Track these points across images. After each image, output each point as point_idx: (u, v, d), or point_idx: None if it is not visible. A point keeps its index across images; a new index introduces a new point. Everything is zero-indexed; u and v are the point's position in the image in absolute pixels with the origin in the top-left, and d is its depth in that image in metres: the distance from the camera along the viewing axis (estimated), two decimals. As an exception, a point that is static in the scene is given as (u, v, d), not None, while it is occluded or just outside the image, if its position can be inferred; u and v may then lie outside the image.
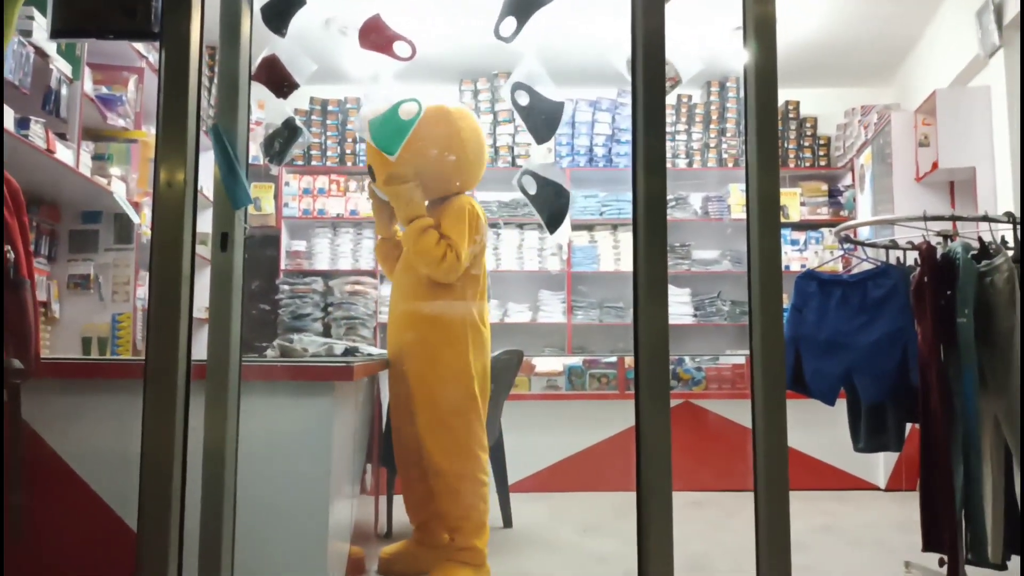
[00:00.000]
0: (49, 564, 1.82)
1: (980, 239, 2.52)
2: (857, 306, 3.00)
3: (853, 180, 6.17)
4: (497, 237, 6.40)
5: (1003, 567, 2.52)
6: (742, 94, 6.32)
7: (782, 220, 6.46)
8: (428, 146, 2.85)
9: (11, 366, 1.52)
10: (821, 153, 6.53)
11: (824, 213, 6.38)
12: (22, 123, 2.89)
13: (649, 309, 1.53)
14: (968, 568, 2.67)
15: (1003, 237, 2.68)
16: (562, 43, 5.38)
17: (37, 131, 2.99)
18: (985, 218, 2.52)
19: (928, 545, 2.55)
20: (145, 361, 1.47)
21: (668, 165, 5.99)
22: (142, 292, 4.19)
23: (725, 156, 6.47)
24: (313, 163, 6.50)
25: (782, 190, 6.39)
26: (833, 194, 6.45)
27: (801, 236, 6.43)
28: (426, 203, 3.01)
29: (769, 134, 1.59)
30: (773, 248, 1.58)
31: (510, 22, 1.65)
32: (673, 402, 4.99)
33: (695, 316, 6.39)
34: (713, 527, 3.81)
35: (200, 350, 4.64)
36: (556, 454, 4.75)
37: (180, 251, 1.49)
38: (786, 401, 1.61)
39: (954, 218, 2.60)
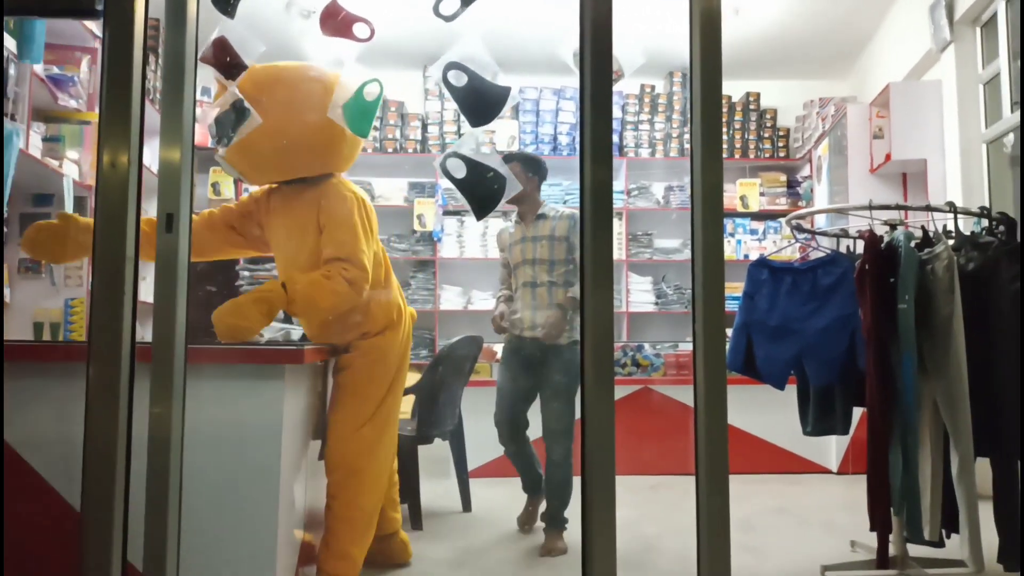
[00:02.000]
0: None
1: (923, 228, 2.60)
2: (807, 293, 3.07)
3: (811, 171, 6.27)
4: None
5: (940, 544, 2.61)
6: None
7: (742, 210, 6.55)
8: (288, 111, 2.29)
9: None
10: (780, 144, 6.63)
11: (783, 203, 6.48)
12: (-32, 103, 2.82)
13: (595, 296, 1.55)
14: (914, 547, 2.78)
15: (945, 226, 2.76)
16: (525, 31, 5.39)
17: (-16, 111, 2.92)
18: (928, 208, 2.60)
19: (874, 525, 2.63)
20: (88, 343, 1.46)
21: (631, 154, 5.99)
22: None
23: (687, 146, 6.52)
24: (274, 148, 6.43)
25: (743, 180, 6.50)
26: (791, 184, 6.56)
27: (760, 226, 6.53)
28: (280, 183, 2.56)
29: (713, 126, 1.61)
30: (716, 237, 1.60)
31: (452, 1, 1.65)
32: (632, 388, 5.00)
33: (656, 304, 6.47)
34: (668, 509, 3.88)
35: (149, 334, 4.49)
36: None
37: (124, 233, 1.48)
38: (727, 386, 1.65)
39: (899, 207, 2.67)
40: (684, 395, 4.77)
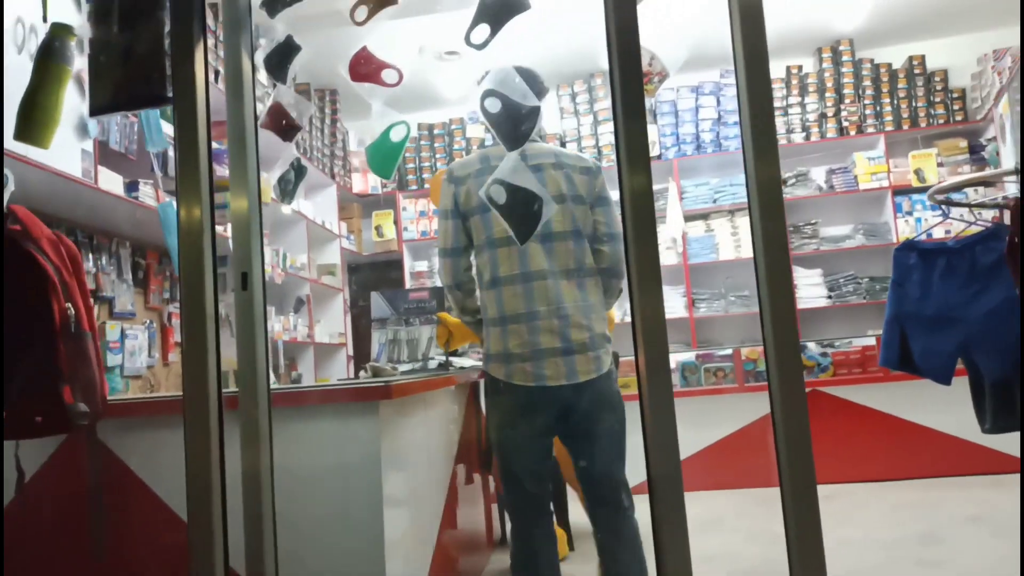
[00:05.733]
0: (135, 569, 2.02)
1: (1088, 187, 2.22)
2: (966, 274, 2.73)
3: (996, 132, 5.57)
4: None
5: None
6: (858, 56, 5.97)
7: (918, 184, 5.96)
8: None
9: (78, 409, 1.72)
10: (956, 107, 5.95)
11: (966, 172, 5.80)
12: (131, 187, 3.22)
13: (644, 300, 1.49)
14: None
15: None
16: (651, 30, 5.27)
17: (147, 191, 3.32)
18: (1090, 163, 2.21)
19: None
20: (183, 394, 1.61)
21: (783, 141, 5.57)
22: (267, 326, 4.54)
23: (846, 124, 6.04)
24: (426, 186, 6.74)
25: (915, 152, 5.92)
26: (974, 150, 5.86)
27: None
28: None
29: (764, 115, 1.49)
30: (778, 234, 1.48)
31: (483, 29, 1.67)
32: (797, 391, 4.59)
33: (830, 298, 6.02)
34: (836, 522, 3.57)
35: (338, 371, 4.90)
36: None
37: (204, 285, 1.61)
38: (805, 391, 1.51)
39: (1051, 167, 2.30)
40: (857, 395, 4.38)
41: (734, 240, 6.15)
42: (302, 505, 1.92)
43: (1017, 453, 4.24)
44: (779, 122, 6.14)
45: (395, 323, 3.53)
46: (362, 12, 1.77)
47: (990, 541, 3.10)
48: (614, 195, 1.64)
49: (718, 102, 6.23)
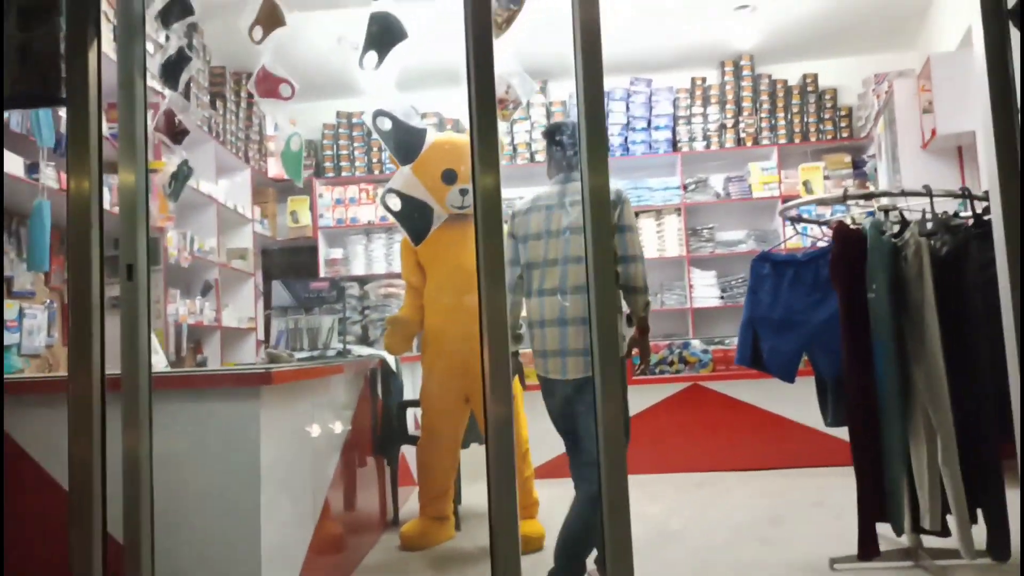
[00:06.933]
0: (24, 544, 2.14)
1: (901, 214, 2.55)
2: (811, 284, 3.06)
3: (876, 150, 6.04)
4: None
5: (944, 533, 2.55)
6: (757, 72, 6.38)
7: (806, 196, 6.37)
8: None
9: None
10: (843, 124, 6.41)
11: (849, 185, 6.26)
12: (32, 168, 3.26)
13: (489, 295, 1.68)
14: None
15: (945, 212, 2.69)
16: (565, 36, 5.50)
17: (48, 174, 3.35)
18: (903, 193, 2.54)
19: (863, 516, 2.61)
20: (68, 376, 1.75)
21: (685, 149, 5.93)
22: (172, 308, 4.59)
23: (743, 135, 6.43)
24: (343, 174, 6.83)
25: (804, 165, 6.33)
26: (857, 165, 6.33)
27: (827, 211, 6.33)
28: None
29: (597, 131, 1.71)
30: (605, 240, 1.70)
31: (372, 56, 1.85)
32: (680, 385, 5.00)
33: (722, 298, 6.41)
34: (703, 505, 3.90)
35: (247, 355, 5.06)
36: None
37: (90, 277, 1.75)
38: (626, 385, 1.74)
39: (870, 195, 2.62)
40: (734, 391, 4.75)
41: (658, 240, 6.46)
42: (182, 483, 2.07)
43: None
44: (683, 130, 6.48)
45: (296, 311, 3.67)
46: (259, 32, 1.93)
47: (826, 522, 3.47)
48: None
49: (627, 108, 6.52)
